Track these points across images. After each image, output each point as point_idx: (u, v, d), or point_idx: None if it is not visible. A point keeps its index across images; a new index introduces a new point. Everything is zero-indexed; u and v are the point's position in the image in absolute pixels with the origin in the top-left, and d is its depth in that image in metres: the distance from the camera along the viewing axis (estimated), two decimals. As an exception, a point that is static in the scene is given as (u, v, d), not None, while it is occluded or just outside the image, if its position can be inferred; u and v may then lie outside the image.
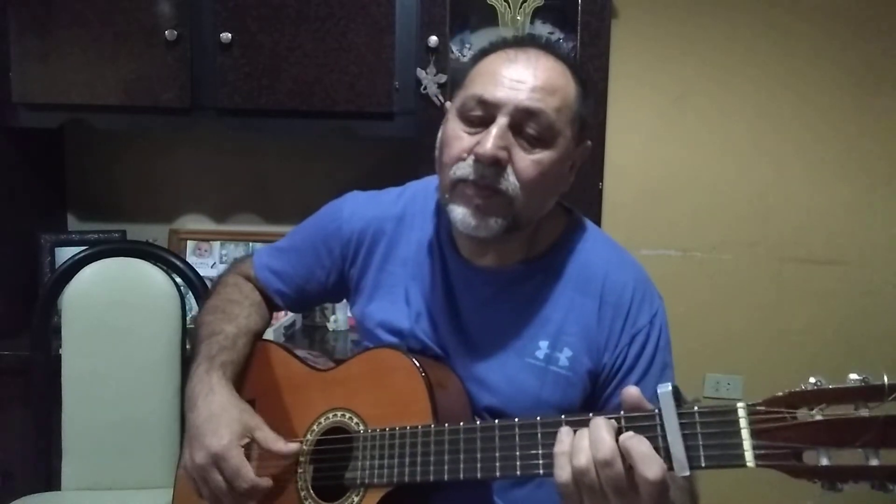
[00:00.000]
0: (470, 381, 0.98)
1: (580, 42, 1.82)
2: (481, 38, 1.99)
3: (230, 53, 1.81)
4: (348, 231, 1.09)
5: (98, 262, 1.56)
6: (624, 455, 0.69)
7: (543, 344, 0.96)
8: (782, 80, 2.11)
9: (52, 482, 1.54)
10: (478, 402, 0.97)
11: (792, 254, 2.16)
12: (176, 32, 1.79)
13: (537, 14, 1.90)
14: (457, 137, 0.92)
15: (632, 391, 0.74)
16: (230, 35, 1.79)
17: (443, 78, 1.79)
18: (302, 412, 1.02)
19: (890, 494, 0.62)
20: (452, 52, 1.89)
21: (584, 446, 0.71)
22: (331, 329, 2.12)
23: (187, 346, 1.52)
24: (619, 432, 0.72)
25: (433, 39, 1.80)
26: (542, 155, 0.90)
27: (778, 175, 2.14)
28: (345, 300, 1.18)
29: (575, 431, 0.74)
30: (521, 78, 0.90)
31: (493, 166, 0.88)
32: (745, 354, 2.17)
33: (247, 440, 0.93)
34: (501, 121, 0.88)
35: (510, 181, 0.89)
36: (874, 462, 0.61)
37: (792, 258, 2.16)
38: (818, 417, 0.64)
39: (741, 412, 0.67)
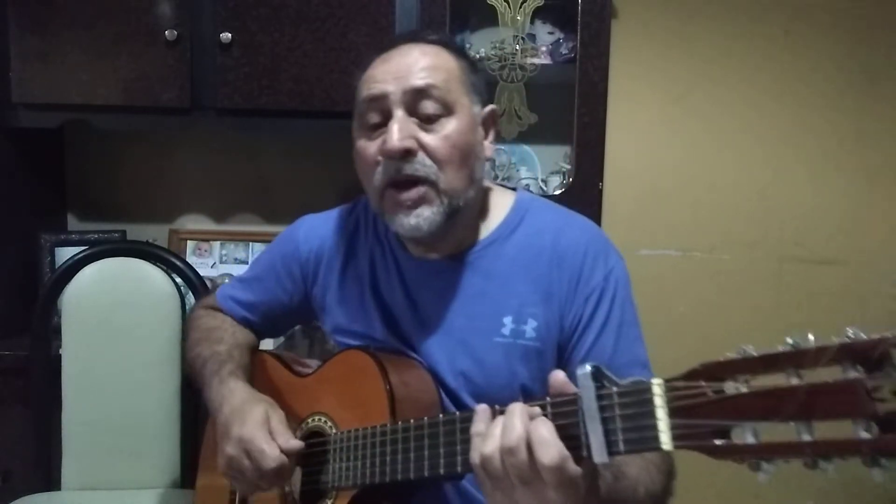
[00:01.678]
0: (450, 378, 0.97)
1: (580, 42, 1.82)
2: (481, 38, 2.00)
3: (230, 53, 1.81)
4: (305, 251, 1.11)
5: (98, 262, 1.56)
6: (528, 441, 0.67)
7: (507, 320, 0.96)
8: (782, 80, 2.11)
9: (52, 482, 1.54)
10: (466, 393, 0.97)
11: (792, 254, 2.15)
12: (176, 32, 1.79)
13: (537, 14, 1.90)
14: (365, 149, 0.94)
15: (558, 375, 0.72)
16: (230, 35, 1.79)
17: (443, 78, 1.79)
18: (289, 418, 1.02)
19: (823, 473, 0.54)
20: (452, 52, 1.89)
21: (494, 433, 0.69)
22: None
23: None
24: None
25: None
26: (447, 127, 0.92)
27: (778, 175, 2.14)
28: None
29: (495, 415, 0.72)
30: (399, 67, 0.93)
31: (405, 158, 0.90)
32: (745, 354, 2.17)
33: (268, 426, 0.92)
34: (397, 112, 0.91)
35: (426, 164, 0.90)
36: (806, 437, 0.53)
37: (792, 258, 2.16)
38: (744, 390, 0.56)
39: (656, 389, 0.62)
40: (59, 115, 1.87)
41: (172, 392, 1.54)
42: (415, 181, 0.91)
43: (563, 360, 0.96)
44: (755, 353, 0.56)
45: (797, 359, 0.54)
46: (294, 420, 1.02)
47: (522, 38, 1.87)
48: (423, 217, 0.91)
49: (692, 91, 2.13)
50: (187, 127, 1.97)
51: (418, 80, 0.91)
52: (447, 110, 0.92)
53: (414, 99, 0.91)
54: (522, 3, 1.85)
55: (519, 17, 1.86)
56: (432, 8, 1.81)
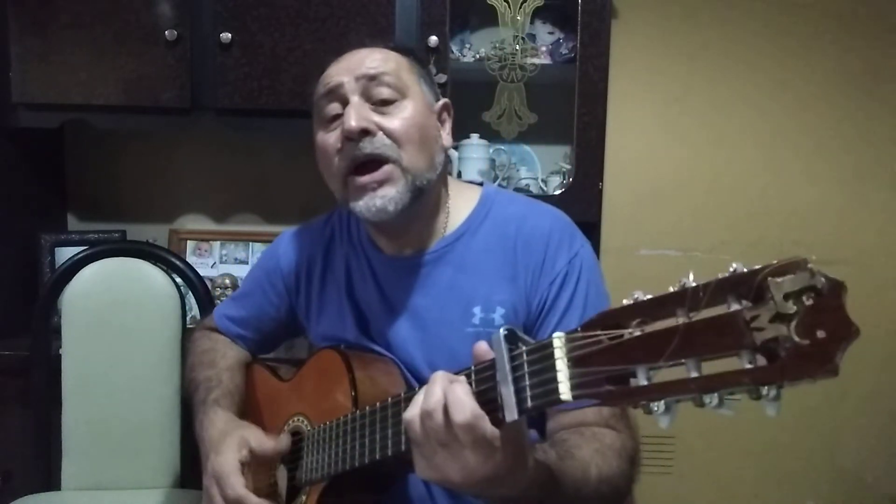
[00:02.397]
0: (427, 369, 0.98)
1: (580, 42, 1.82)
2: (481, 38, 2.00)
3: (230, 53, 1.81)
4: (286, 264, 1.14)
5: (98, 262, 1.56)
6: (444, 404, 0.68)
7: (477, 309, 0.97)
8: (782, 81, 2.11)
9: (52, 482, 1.54)
10: None
11: (792, 254, 2.14)
12: (176, 32, 1.79)
13: (537, 14, 1.90)
14: (324, 140, 0.97)
15: (480, 345, 0.72)
16: (230, 35, 1.79)
17: (443, 78, 1.79)
18: (275, 423, 1.06)
19: (705, 410, 0.53)
20: (452, 52, 1.89)
21: (417, 399, 0.70)
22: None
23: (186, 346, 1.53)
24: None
25: (433, 39, 1.79)
26: (403, 108, 0.95)
27: (778, 175, 2.14)
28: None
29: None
30: (350, 61, 0.97)
31: (365, 138, 0.92)
32: (745, 354, 2.17)
33: (245, 451, 0.93)
34: (353, 98, 0.94)
35: (386, 143, 0.93)
36: (693, 374, 0.53)
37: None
38: (636, 334, 0.56)
39: (556, 342, 0.62)
40: (59, 115, 1.87)
41: (172, 392, 1.54)
42: (378, 161, 0.93)
43: None
44: (645, 297, 0.56)
45: (684, 299, 0.54)
46: (278, 423, 1.05)
47: (522, 38, 1.87)
48: (389, 197, 0.93)
49: (692, 91, 2.13)
50: (187, 127, 1.97)
51: (370, 69, 0.94)
52: (401, 94, 0.95)
53: (367, 85, 0.94)
54: (522, 3, 1.85)
55: (519, 17, 1.86)
56: (432, 8, 1.81)
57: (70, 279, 1.54)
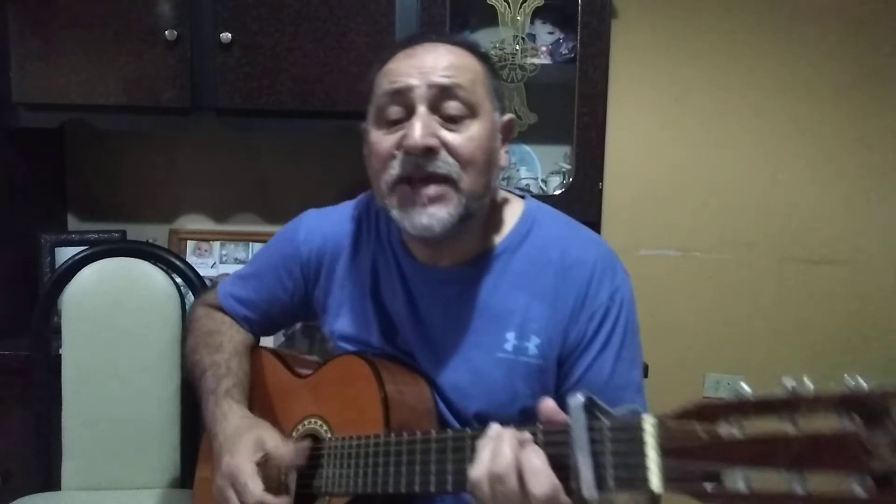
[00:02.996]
0: (449, 390, 0.96)
1: (580, 42, 1.82)
2: (481, 38, 1.99)
3: (230, 53, 1.81)
4: (306, 252, 1.08)
5: (98, 262, 1.56)
6: (518, 469, 0.66)
7: (510, 336, 0.93)
8: (782, 80, 2.11)
9: (52, 482, 1.54)
10: (465, 411, 0.95)
11: (792, 254, 2.15)
12: (176, 32, 1.79)
13: (537, 14, 1.90)
14: (381, 141, 0.90)
15: (547, 403, 0.70)
16: (230, 35, 1.79)
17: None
18: (285, 419, 1.03)
19: None
20: (452, 52, 1.89)
21: (483, 458, 0.68)
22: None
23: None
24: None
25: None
26: (472, 129, 0.88)
27: (778, 175, 2.14)
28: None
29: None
30: (424, 62, 0.89)
31: (426, 155, 0.86)
32: (745, 354, 2.17)
33: (261, 453, 0.91)
34: (420, 108, 0.87)
35: (449, 163, 0.87)
36: (798, 489, 0.51)
37: (792, 258, 2.16)
38: (737, 433, 0.54)
39: (648, 427, 0.60)
40: (59, 115, 1.87)
41: (172, 392, 1.54)
42: (434, 177, 0.87)
43: (560, 375, 0.94)
44: (751, 397, 0.54)
45: (794, 405, 0.52)
46: (290, 421, 1.02)
47: (522, 38, 1.87)
48: (438, 217, 0.87)
49: (692, 91, 2.13)
50: (187, 127, 1.97)
51: (444, 78, 0.87)
52: (471, 112, 0.88)
53: (438, 97, 0.87)
54: (522, 3, 1.85)
55: (519, 17, 1.86)
56: (432, 8, 1.81)
57: (70, 279, 1.54)
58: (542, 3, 1.85)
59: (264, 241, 2.11)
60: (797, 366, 2.13)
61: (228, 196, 2.21)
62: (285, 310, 1.13)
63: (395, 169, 0.88)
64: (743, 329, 2.18)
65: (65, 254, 1.85)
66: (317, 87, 1.82)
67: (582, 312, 0.93)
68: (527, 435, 0.68)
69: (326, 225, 1.09)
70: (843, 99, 2.10)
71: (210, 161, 2.20)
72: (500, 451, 0.67)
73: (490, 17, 1.88)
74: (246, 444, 0.91)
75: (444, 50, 0.91)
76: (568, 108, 1.85)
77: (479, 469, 0.68)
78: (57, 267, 1.67)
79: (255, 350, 1.14)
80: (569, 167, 1.92)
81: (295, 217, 1.15)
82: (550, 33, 2.00)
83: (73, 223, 2.21)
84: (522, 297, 0.94)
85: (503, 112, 0.96)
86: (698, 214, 2.16)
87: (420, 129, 0.86)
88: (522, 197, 1.03)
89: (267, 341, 1.46)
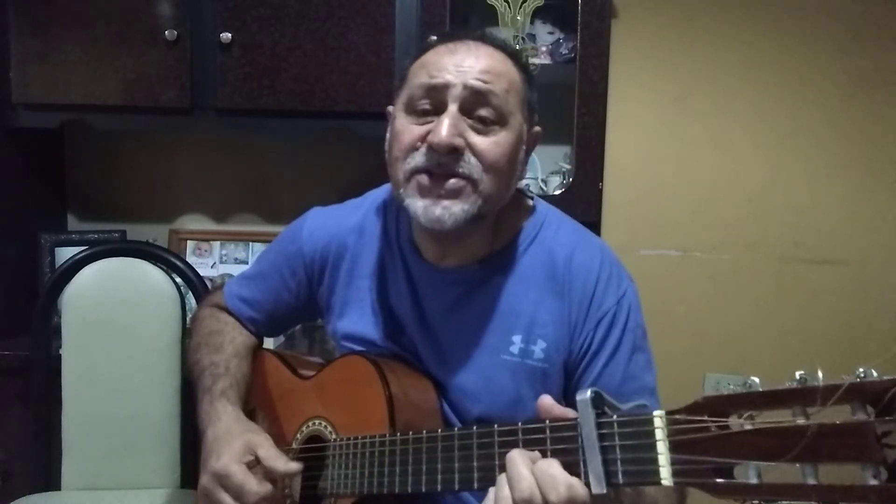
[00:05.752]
0: (453, 391, 0.96)
1: (580, 42, 1.82)
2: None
3: (230, 53, 1.81)
4: (310, 251, 1.07)
5: (98, 262, 1.56)
6: (539, 485, 0.66)
7: (517, 338, 0.93)
8: (782, 80, 2.11)
9: (52, 482, 1.54)
10: (468, 412, 0.95)
11: (792, 254, 2.15)
12: (176, 32, 1.79)
13: (537, 14, 1.90)
14: (407, 130, 0.90)
15: (545, 400, 0.70)
16: (230, 35, 1.79)
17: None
18: (290, 420, 1.02)
19: None
20: (452, 52, 1.89)
21: (504, 489, 0.67)
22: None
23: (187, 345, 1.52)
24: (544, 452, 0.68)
25: (433, 39, 1.79)
26: (500, 136, 0.88)
27: (777, 175, 2.14)
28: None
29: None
30: (464, 63, 0.88)
31: (450, 154, 0.86)
32: (745, 354, 2.17)
33: (250, 457, 0.90)
34: (452, 107, 0.87)
35: (472, 164, 0.87)
36: (811, 480, 0.51)
37: (792, 258, 2.16)
38: (747, 426, 0.54)
39: (657, 421, 0.59)
40: (59, 115, 1.87)
41: (172, 392, 1.54)
42: (455, 174, 0.87)
43: (571, 384, 0.94)
44: (761, 389, 0.54)
45: (804, 396, 0.51)
46: (294, 423, 1.01)
47: (522, 38, 1.87)
48: (452, 211, 0.86)
49: (692, 91, 2.12)
50: (187, 127, 1.97)
51: (480, 83, 0.87)
52: (501, 120, 0.88)
53: (471, 99, 0.87)
54: (522, 3, 1.85)
55: (519, 17, 1.86)
56: (432, 8, 1.81)
57: (70, 279, 1.54)
58: (542, 3, 1.85)
59: (264, 241, 2.14)
60: (797, 366, 2.10)
61: (228, 196, 2.21)
62: (291, 309, 1.13)
63: (416, 160, 0.88)
64: (743, 329, 2.18)
65: (65, 254, 1.85)
66: (317, 87, 1.82)
67: (588, 318, 0.93)
68: (536, 454, 0.69)
69: (331, 223, 1.08)
70: (843, 99, 2.10)
71: (210, 161, 2.20)
72: (517, 474, 0.67)
73: (490, 17, 1.88)
74: (235, 447, 0.90)
75: (485, 52, 0.90)
76: (568, 108, 1.85)
77: (503, 491, 0.67)
78: (57, 267, 1.67)
79: (257, 352, 1.13)
80: (569, 167, 1.92)
81: (298, 216, 1.14)
82: (550, 33, 2.00)
83: (73, 223, 2.21)
84: (530, 300, 0.94)
85: (532, 125, 0.95)
86: (698, 214, 2.16)
87: (448, 127, 0.85)
88: (531, 198, 1.03)
89: (267, 342, 1.47)
